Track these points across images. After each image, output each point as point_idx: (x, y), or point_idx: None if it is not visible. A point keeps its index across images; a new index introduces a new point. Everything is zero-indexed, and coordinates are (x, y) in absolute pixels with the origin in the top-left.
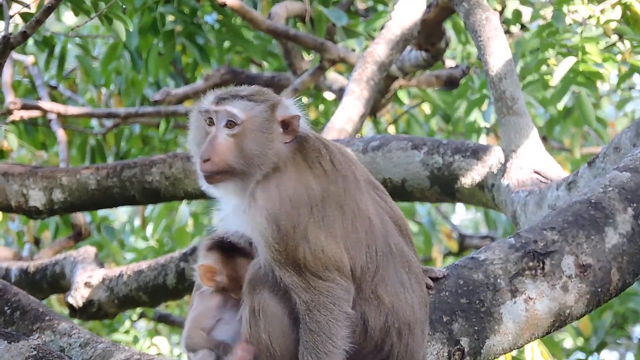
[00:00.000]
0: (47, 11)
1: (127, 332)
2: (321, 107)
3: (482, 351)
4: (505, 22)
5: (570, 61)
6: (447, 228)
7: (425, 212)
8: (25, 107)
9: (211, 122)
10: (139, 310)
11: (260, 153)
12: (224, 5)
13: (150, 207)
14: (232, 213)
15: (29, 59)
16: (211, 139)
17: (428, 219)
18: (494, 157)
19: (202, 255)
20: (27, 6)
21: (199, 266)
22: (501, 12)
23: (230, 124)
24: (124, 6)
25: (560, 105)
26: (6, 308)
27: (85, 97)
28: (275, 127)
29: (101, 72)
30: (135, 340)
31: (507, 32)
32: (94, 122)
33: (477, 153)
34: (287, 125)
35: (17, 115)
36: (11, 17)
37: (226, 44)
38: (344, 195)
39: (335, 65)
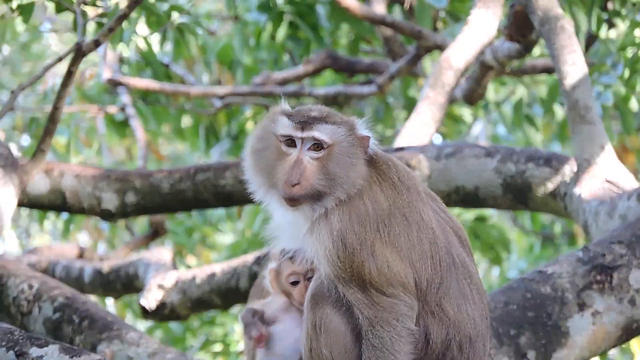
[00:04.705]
0: (120, 19)
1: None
2: None
3: None
4: (614, 12)
5: None
6: None
7: None
8: (120, 84)
9: (290, 144)
10: None
11: (344, 175)
12: None
13: None
14: (293, 231)
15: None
16: (296, 162)
17: None
18: (567, 165)
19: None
20: (105, 9)
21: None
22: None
23: (317, 147)
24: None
25: None
26: (74, 317)
27: (201, 76)
28: (356, 149)
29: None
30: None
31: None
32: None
33: (550, 161)
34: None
35: (96, 111)
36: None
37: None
38: (408, 207)
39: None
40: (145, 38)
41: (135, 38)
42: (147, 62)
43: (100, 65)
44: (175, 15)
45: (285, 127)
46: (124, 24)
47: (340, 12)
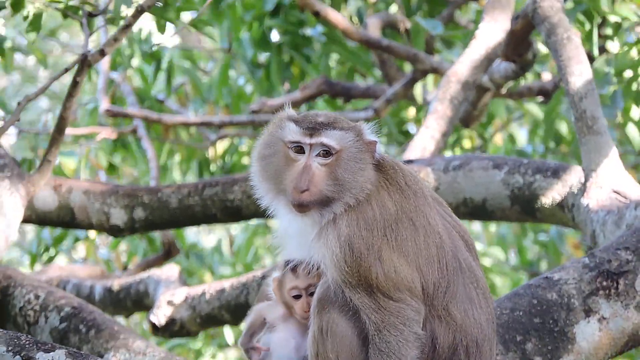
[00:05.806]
0: (125, 29)
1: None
2: None
3: None
4: (605, 37)
5: None
6: (575, 239)
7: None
8: (118, 114)
9: (299, 150)
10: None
11: (353, 180)
12: (318, 14)
13: (237, 234)
14: (301, 238)
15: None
16: (305, 168)
17: (556, 230)
18: (574, 176)
19: (283, 276)
20: (116, 16)
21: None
22: (601, 25)
23: (325, 153)
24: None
25: None
26: (81, 326)
27: (195, 112)
28: (363, 154)
29: (216, 90)
30: None
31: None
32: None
33: (558, 173)
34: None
35: (107, 133)
36: (91, 34)
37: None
38: (415, 212)
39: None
40: (140, 70)
41: (130, 73)
42: (141, 99)
43: (98, 97)
44: (185, 16)
45: (293, 133)
46: (119, 58)
47: (334, 41)
